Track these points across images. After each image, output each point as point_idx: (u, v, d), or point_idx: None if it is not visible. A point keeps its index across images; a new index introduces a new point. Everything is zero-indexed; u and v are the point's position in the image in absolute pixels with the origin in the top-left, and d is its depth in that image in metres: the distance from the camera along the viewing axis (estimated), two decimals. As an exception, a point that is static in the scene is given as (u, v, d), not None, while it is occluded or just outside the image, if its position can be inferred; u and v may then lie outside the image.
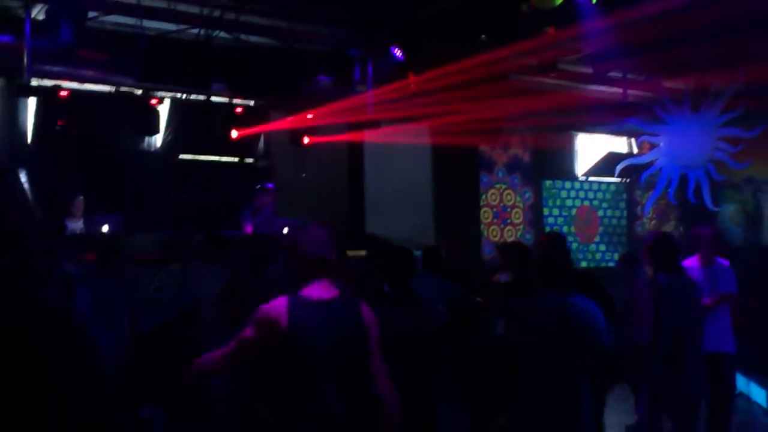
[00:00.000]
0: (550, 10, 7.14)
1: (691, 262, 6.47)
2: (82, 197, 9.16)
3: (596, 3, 7.43)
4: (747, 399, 8.79)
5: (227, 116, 9.89)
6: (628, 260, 7.62)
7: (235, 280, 6.15)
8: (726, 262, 6.58)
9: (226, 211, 9.47)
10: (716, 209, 11.96)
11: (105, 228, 8.71)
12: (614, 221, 13.16)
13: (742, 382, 9.08)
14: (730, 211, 12.84)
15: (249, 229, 9.48)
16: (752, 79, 10.34)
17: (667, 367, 5.80)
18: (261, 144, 10.84)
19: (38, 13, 7.75)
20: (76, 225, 9.06)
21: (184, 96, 9.69)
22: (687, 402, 5.66)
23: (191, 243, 7.49)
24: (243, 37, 8.76)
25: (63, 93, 8.70)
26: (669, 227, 13.45)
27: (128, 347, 6.39)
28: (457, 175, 11.38)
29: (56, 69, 8.47)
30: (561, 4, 7.14)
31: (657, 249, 6.19)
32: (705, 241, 6.51)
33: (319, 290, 3.24)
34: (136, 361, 6.42)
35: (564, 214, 12.66)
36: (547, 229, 12.33)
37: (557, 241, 6.36)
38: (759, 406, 8.48)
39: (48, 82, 8.69)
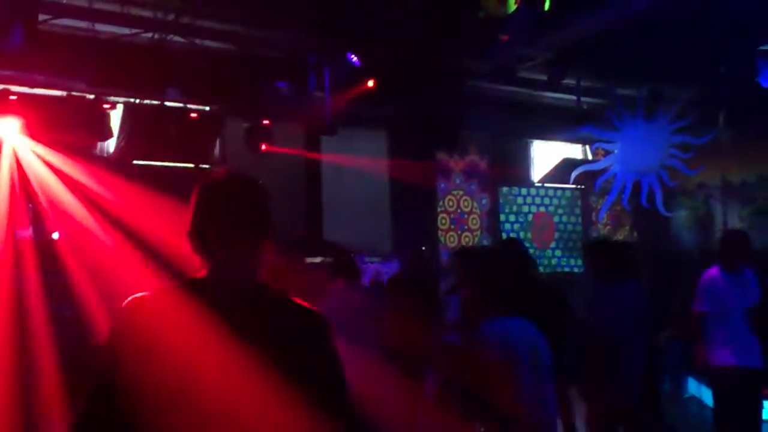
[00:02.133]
0: (504, 18, 7.18)
1: (713, 272, 6.31)
2: (30, 204, 8.97)
3: (549, 10, 7.48)
4: (699, 402, 8.93)
5: (182, 122, 9.77)
6: None
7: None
8: (750, 270, 6.31)
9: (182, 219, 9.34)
10: (669, 215, 12.16)
11: (55, 235, 8.54)
12: (570, 227, 13.29)
13: (693, 386, 9.23)
14: (682, 217, 13.05)
15: None
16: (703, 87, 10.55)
17: (597, 375, 5.84)
18: (217, 150, 10.72)
19: (-13, 15, 7.57)
20: (25, 232, 8.88)
21: (138, 101, 9.54)
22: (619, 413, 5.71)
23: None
24: (198, 41, 8.67)
25: (12, 97, 8.50)
26: (623, 233, 13.63)
27: None
28: (414, 181, 11.39)
29: (6, 73, 8.28)
30: (514, 12, 7.18)
31: (595, 255, 6.26)
32: (733, 246, 6.29)
33: None
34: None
35: (521, 220, 12.75)
36: (504, 235, 12.41)
37: (509, 248, 6.35)
38: (710, 409, 8.60)
39: (-3, 86, 8.50)
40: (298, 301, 2.21)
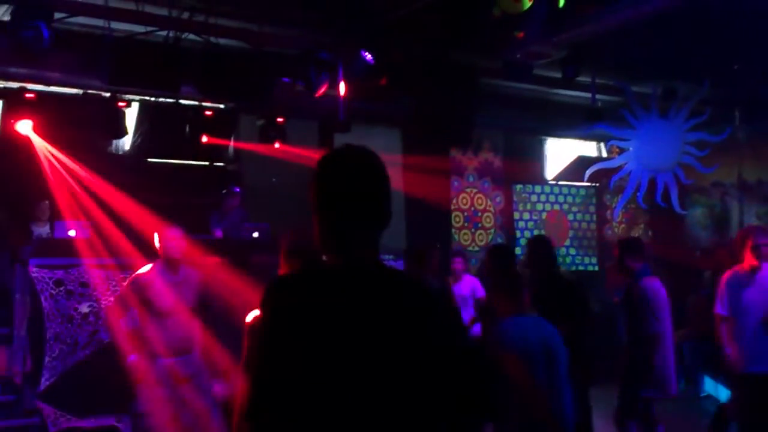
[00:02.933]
0: (519, 15, 7.16)
1: (735, 272, 6.04)
2: (47, 202, 9.03)
3: (563, 8, 7.46)
4: (715, 401, 8.88)
5: (196, 119, 9.81)
6: None
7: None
8: None
9: (196, 216, 9.39)
10: (684, 213, 12.10)
11: (72, 233, 8.59)
12: (584, 225, 13.24)
13: (710, 385, 9.19)
14: (697, 215, 12.99)
15: (219, 233, 9.39)
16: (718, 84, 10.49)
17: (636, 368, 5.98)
18: (231, 148, 10.76)
19: (3, 14, 7.63)
20: (43, 230, 8.94)
21: (153, 99, 9.58)
22: None
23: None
24: (212, 39, 8.69)
25: (29, 95, 8.56)
26: (638, 231, 13.58)
27: None
28: (428, 179, 11.39)
29: (22, 71, 8.33)
30: (529, 8, 7.16)
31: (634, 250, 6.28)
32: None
33: None
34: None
35: (534, 218, 12.72)
36: (518, 233, 12.39)
37: (535, 247, 6.35)
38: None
39: (13, 85, 8.56)
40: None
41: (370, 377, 1.85)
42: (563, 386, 4.09)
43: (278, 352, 1.87)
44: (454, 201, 12.12)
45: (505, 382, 3.96)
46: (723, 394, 8.78)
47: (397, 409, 1.86)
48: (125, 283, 6.13)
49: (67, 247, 7.52)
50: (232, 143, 10.72)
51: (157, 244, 5.95)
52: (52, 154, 9.01)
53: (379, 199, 2.02)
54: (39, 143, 8.93)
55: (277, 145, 10.15)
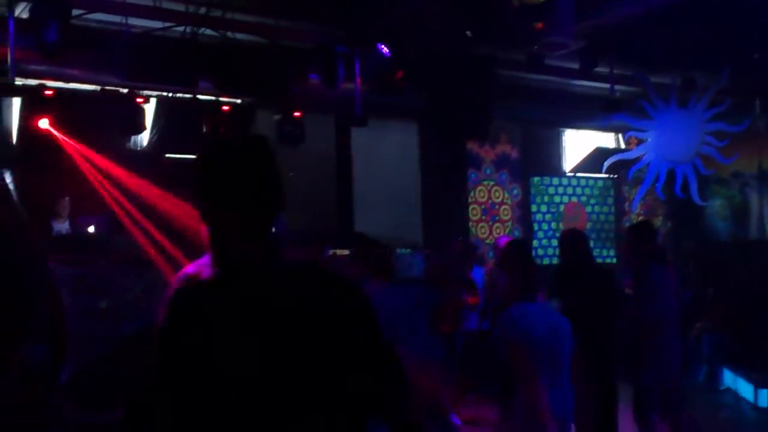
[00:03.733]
0: (539, 5, 7.12)
1: None
2: (67, 199, 9.09)
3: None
4: (735, 394, 8.84)
5: (213, 115, 9.83)
6: None
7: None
8: None
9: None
10: (704, 204, 12.02)
11: (91, 229, 8.66)
12: (602, 217, 13.18)
13: (729, 378, 9.14)
14: (717, 206, 12.89)
15: None
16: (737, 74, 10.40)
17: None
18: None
19: (22, 11, 7.67)
20: (62, 226, 9.01)
21: (170, 94, 9.61)
22: None
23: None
24: (229, 34, 8.71)
25: (48, 92, 8.62)
26: (656, 222, 13.49)
27: None
28: (445, 171, 11.38)
29: (41, 68, 8.38)
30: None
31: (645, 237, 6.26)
32: None
33: None
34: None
35: (552, 210, 12.67)
36: (536, 225, 12.34)
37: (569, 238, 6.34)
38: (746, 401, 8.52)
39: (32, 82, 8.61)
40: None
41: (258, 380, 1.79)
42: (564, 375, 4.11)
43: (166, 358, 1.83)
44: (471, 194, 12.10)
45: (507, 370, 4.00)
46: (742, 386, 8.73)
47: (288, 410, 1.79)
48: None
49: (86, 243, 7.57)
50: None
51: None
52: (73, 150, 9.06)
53: (264, 192, 1.93)
54: (59, 139, 8.98)
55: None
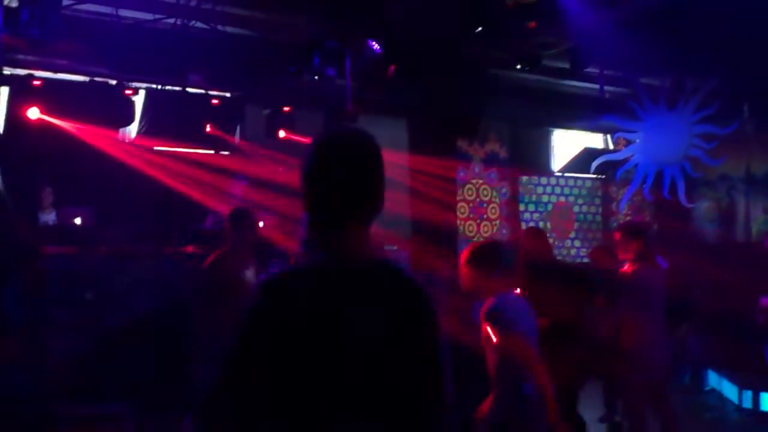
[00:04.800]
0: (532, 4, 7.14)
1: None
2: (50, 188, 9.02)
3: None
4: (719, 395, 8.88)
5: (203, 108, 9.80)
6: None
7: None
8: None
9: (201, 204, 9.39)
10: (691, 206, 12.07)
11: (77, 220, 8.60)
12: (590, 217, 13.23)
13: (714, 379, 9.18)
14: (704, 208, 12.95)
15: (208, 222, 9.27)
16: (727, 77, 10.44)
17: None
18: (237, 137, 10.75)
19: (11, 1, 7.61)
20: (49, 217, 8.95)
21: (159, 87, 9.57)
22: None
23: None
24: (220, 27, 8.67)
25: (36, 82, 8.56)
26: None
27: None
28: (434, 169, 11.37)
29: (29, 58, 8.33)
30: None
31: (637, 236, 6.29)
32: None
33: None
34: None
35: (540, 209, 12.70)
36: (523, 224, 12.37)
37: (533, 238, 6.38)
38: (731, 402, 8.56)
39: (21, 72, 8.56)
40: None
41: (364, 379, 1.79)
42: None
43: (264, 354, 1.76)
44: (460, 192, 12.10)
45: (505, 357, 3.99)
46: (727, 388, 8.77)
47: (390, 409, 1.79)
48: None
49: (72, 234, 7.52)
50: (237, 132, 10.71)
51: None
52: (61, 139, 9.01)
53: (375, 192, 1.90)
54: (47, 127, 8.93)
55: (283, 135, 10.13)
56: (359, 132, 1.97)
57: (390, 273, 1.89)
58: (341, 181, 1.85)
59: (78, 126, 9.02)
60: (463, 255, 4.22)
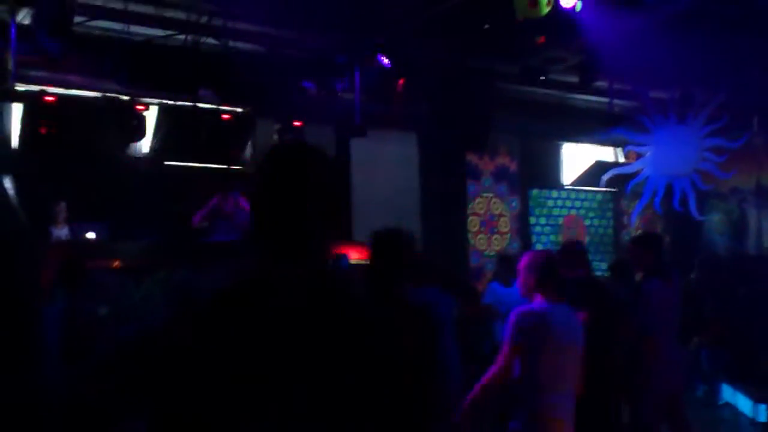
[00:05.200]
0: (540, 20, 7.16)
1: None
2: (64, 203, 9.07)
3: (580, 11, 7.46)
4: (733, 409, 8.82)
5: (214, 123, 9.85)
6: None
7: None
8: None
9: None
10: (702, 218, 12.03)
11: (90, 235, 8.64)
12: (600, 230, 13.20)
13: (728, 393, 9.12)
14: (715, 221, 12.91)
15: (196, 219, 9.19)
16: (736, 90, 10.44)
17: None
18: (248, 151, 10.80)
19: (24, 17, 7.69)
20: (61, 232, 8.98)
21: (171, 102, 9.63)
22: None
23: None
24: (230, 43, 8.73)
25: (49, 98, 8.63)
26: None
27: None
28: (444, 183, 11.38)
29: (42, 74, 8.41)
30: (548, 13, 7.16)
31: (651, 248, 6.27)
32: None
33: None
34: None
35: (551, 222, 12.68)
36: (534, 238, 12.35)
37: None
38: (745, 416, 8.51)
39: (33, 88, 8.63)
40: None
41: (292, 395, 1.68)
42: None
43: (196, 368, 1.69)
44: (470, 205, 12.10)
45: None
46: (741, 401, 8.71)
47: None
48: None
49: (85, 249, 7.55)
50: (248, 147, 10.76)
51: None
52: (74, 154, 9.08)
53: (304, 204, 1.75)
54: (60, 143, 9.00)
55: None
56: (296, 146, 1.87)
57: (330, 300, 1.76)
58: (274, 209, 1.76)
59: (90, 141, 9.09)
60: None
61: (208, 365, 1.68)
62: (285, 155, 1.82)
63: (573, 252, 5.99)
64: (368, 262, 3.49)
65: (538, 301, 4.08)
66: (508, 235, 12.42)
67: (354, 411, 1.69)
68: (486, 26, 8.29)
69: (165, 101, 9.56)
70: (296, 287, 1.74)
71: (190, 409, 1.68)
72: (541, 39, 7.91)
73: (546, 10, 7.16)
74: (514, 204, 12.56)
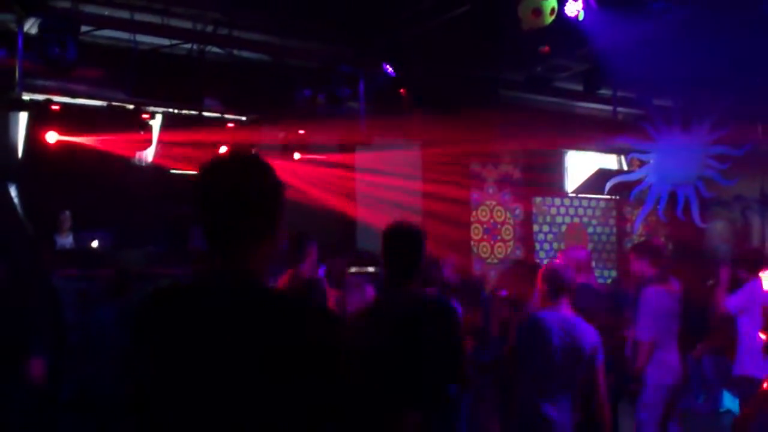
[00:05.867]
0: (544, 29, 7.20)
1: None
2: (68, 212, 9.12)
3: (585, 20, 7.49)
4: (734, 416, 8.82)
5: (219, 131, 9.90)
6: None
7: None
8: None
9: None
10: (705, 226, 12.03)
11: (94, 243, 8.68)
12: (604, 238, 13.19)
13: (729, 400, 9.12)
14: (718, 228, 12.90)
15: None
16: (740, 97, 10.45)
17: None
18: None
19: (31, 27, 7.75)
20: (66, 240, 9.03)
21: (176, 111, 9.68)
22: None
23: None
24: (235, 52, 8.78)
25: (54, 107, 8.68)
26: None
27: None
28: (447, 191, 11.39)
29: (48, 83, 8.46)
30: (552, 21, 7.19)
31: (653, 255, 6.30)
32: None
33: None
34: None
35: (554, 230, 12.69)
36: (537, 245, 12.36)
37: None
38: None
39: (39, 97, 8.68)
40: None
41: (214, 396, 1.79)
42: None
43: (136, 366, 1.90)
44: (474, 213, 12.11)
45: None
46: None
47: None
48: None
49: (89, 258, 7.58)
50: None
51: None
52: (80, 163, 9.11)
53: (226, 211, 1.87)
54: (65, 151, 9.04)
55: (297, 156, 10.21)
56: (240, 155, 1.98)
57: (262, 299, 1.88)
58: (214, 209, 1.89)
59: (96, 150, 9.13)
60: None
61: (140, 361, 1.88)
62: (213, 167, 1.94)
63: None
64: (384, 257, 3.56)
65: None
66: (511, 243, 12.44)
67: (274, 402, 1.78)
68: (491, 35, 8.31)
69: (170, 110, 9.61)
70: (220, 289, 1.87)
71: (135, 395, 1.87)
72: (546, 48, 7.93)
73: (550, 19, 7.20)
74: (517, 212, 12.57)
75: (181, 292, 1.92)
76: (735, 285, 6.56)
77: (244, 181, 1.89)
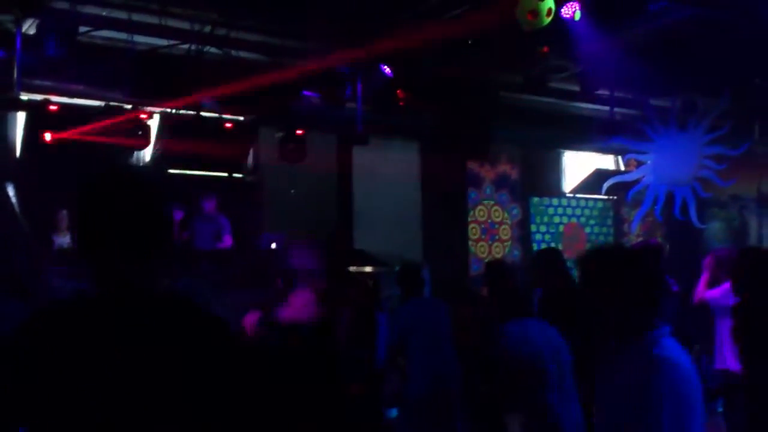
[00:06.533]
0: (541, 30, 7.21)
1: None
2: (65, 211, 9.11)
3: (579, 20, 7.50)
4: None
5: (217, 131, 9.91)
6: None
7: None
8: None
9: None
10: (702, 226, 12.04)
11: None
12: (601, 238, 13.21)
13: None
14: (715, 229, 12.92)
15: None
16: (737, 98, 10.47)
17: None
18: (250, 159, 10.85)
19: (29, 27, 7.75)
20: (64, 239, 9.03)
21: (174, 111, 9.69)
22: None
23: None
24: (233, 52, 8.79)
25: (52, 107, 8.68)
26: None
27: None
28: (445, 191, 11.42)
29: (46, 83, 8.46)
30: (550, 23, 7.20)
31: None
32: None
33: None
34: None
35: (551, 230, 12.71)
36: (535, 245, 12.38)
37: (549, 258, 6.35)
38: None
39: (37, 97, 8.68)
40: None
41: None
42: (571, 389, 4.10)
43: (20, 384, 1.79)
44: (471, 213, 12.13)
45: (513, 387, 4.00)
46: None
47: None
48: None
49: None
50: (251, 155, 10.81)
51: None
52: (77, 163, 9.11)
53: (145, 228, 1.88)
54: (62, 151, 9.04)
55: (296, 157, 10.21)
56: (119, 172, 2.04)
57: (168, 308, 1.88)
58: (96, 220, 1.88)
59: (93, 150, 9.13)
60: None
61: (38, 372, 1.77)
62: (94, 186, 1.95)
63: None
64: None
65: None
66: (509, 243, 12.46)
67: (168, 412, 1.77)
68: (488, 37, 8.33)
69: (168, 110, 9.62)
70: (109, 302, 1.84)
71: (30, 409, 1.78)
72: (545, 49, 7.94)
73: (546, 20, 7.20)
74: (514, 212, 12.60)
75: (66, 308, 1.88)
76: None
77: (133, 197, 1.90)
